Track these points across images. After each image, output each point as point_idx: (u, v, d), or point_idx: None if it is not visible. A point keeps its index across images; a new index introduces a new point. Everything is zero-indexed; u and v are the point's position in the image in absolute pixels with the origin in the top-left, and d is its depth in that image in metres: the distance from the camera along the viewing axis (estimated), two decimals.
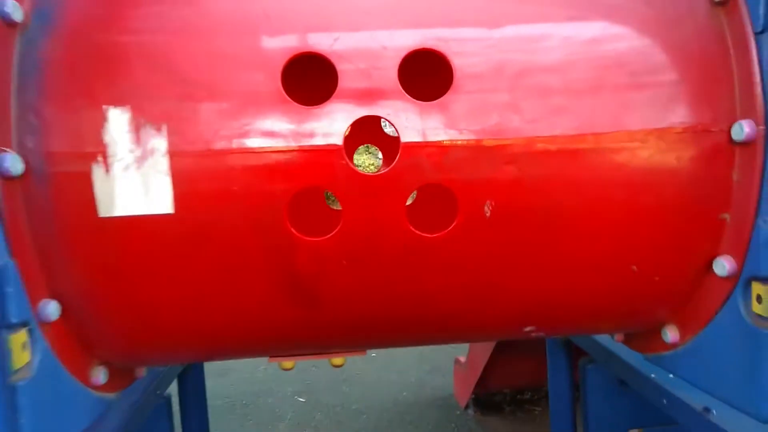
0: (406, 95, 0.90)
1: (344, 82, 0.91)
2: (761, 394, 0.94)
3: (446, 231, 0.93)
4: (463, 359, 3.89)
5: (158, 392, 1.48)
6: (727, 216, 0.96)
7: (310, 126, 0.90)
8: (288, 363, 1.24)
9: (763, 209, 0.93)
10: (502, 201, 0.92)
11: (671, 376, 1.28)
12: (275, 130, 0.89)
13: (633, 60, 0.94)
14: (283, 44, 0.93)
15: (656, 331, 1.15)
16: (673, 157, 0.93)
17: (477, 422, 3.72)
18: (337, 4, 0.97)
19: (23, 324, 0.88)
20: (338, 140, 0.89)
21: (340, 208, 0.94)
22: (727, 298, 1.00)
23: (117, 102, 0.87)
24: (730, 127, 0.93)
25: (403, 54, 0.91)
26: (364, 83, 0.91)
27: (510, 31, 0.95)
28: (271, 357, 1.21)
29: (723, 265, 0.98)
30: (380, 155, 0.97)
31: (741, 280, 0.97)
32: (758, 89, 0.91)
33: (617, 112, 0.92)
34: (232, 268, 0.94)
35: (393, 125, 0.91)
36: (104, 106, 0.86)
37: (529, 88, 0.91)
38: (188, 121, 0.87)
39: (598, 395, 1.88)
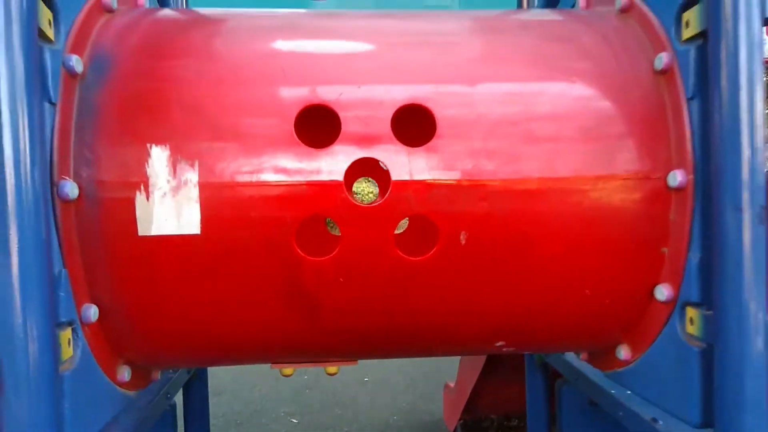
0: (397, 141, 1.08)
1: (346, 128, 1.08)
2: (692, 402, 1.10)
3: (427, 255, 1.10)
4: (452, 384, 4.00)
5: (168, 396, 1.63)
6: (665, 250, 1.13)
7: (316, 164, 1.07)
8: (288, 370, 1.39)
9: (694, 244, 1.10)
10: (475, 231, 1.09)
11: (628, 392, 1.44)
12: (287, 168, 1.06)
13: (587, 117, 1.12)
14: (296, 96, 1.10)
15: (612, 350, 1.31)
16: (620, 200, 1.11)
17: None
18: (342, 64, 1.16)
19: (69, 323, 1.04)
20: (340, 177, 1.07)
21: (339, 233, 1.11)
22: (667, 320, 1.15)
23: (158, 141, 1.04)
24: (666, 175, 1.10)
25: (396, 107, 1.09)
26: (363, 130, 1.09)
27: (484, 88, 1.13)
28: (273, 364, 1.36)
29: (663, 292, 1.14)
30: (377, 186, 1.14)
31: (678, 305, 1.13)
32: (689, 144, 1.09)
33: (573, 160, 1.10)
34: (247, 282, 1.10)
35: (386, 166, 1.09)
36: (148, 144, 1.04)
37: (499, 137, 1.09)
38: (216, 158, 1.05)
39: (572, 414, 2.01)
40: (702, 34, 1.03)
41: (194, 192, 1.03)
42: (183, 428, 2.15)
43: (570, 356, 1.87)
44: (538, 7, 1.89)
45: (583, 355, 1.46)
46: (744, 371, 0.99)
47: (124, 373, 1.21)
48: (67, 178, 1.02)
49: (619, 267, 1.14)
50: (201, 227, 1.05)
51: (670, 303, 1.13)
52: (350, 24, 1.28)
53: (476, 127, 1.09)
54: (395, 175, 1.07)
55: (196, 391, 2.09)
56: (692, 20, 1.06)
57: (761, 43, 0.97)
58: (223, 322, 1.14)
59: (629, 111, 1.13)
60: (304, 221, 1.07)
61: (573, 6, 1.49)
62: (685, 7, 1.08)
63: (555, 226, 1.11)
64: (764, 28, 0.99)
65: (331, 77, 1.13)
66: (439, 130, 1.08)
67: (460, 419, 3.94)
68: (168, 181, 1.03)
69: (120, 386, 1.22)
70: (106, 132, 1.05)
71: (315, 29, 1.25)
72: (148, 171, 1.03)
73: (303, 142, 1.07)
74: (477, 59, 1.18)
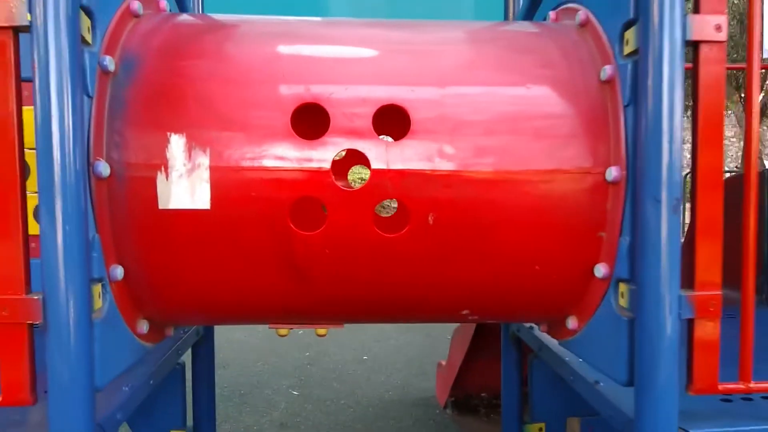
0: (377, 136, 1.27)
1: (334, 123, 1.27)
2: (621, 364, 1.29)
3: (401, 233, 1.29)
4: (444, 362, 4.23)
5: (179, 352, 1.85)
6: (603, 234, 1.32)
7: (308, 154, 1.26)
8: (283, 330, 1.60)
9: (625, 230, 1.29)
10: (441, 214, 1.28)
11: (580, 360, 1.64)
12: (284, 156, 1.25)
13: (541, 118, 1.30)
14: (293, 94, 1.28)
15: (563, 321, 1.50)
16: (565, 190, 1.29)
17: (454, 420, 4.04)
18: (333, 68, 1.35)
19: (100, 279, 1.24)
20: (327, 165, 1.25)
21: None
22: (605, 294, 1.34)
23: (176, 130, 1.24)
24: (605, 171, 1.28)
25: (377, 106, 1.27)
26: (349, 125, 1.27)
27: (452, 92, 1.30)
28: (270, 324, 1.57)
29: (600, 270, 1.32)
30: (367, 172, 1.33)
31: (612, 281, 1.32)
32: (623, 145, 1.27)
33: (526, 156, 1.28)
34: (248, 251, 1.30)
35: (367, 156, 1.29)
36: (167, 132, 1.23)
37: (462, 134, 1.27)
38: (224, 146, 1.24)
39: (542, 387, 2.22)
40: (637, 51, 1.21)
41: (205, 174, 1.24)
42: (191, 388, 2.37)
43: (537, 331, 2.07)
44: (519, 16, 2.07)
45: (543, 327, 1.65)
46: (659, 336, 1.18)
47: (143, 327, 1.41)
48: (100, 159, 1.22)
49: (564, 247, 1.33)
50: (210, 203, 1.25)
51: (607, 279, 1.32)
52: (342, 32, 1.47)
53: (444, 125, 1.28)
54: (374, 165, 1.26)
55: (204, 353, 2.30)
56: (631, 39, 1.24)
57: (682, 61, 1.16)
58: (226, 285, 1.34)
59: (577, 114, 1.31)
60: (297, 201, 1.26)
61: (545, 18, 1.67)
62: (627, 27, 1.26)
63: (510, 211, 1.30)
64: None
65: (323, 79, 1.32)
66: (412, 127, 1.27)
67: (451, 397, 4.17)
68: (184, 164, 1.23)
69: (139, 338, 1.41)
70: (133, 121, 1.25)
71: (311, 36, 1.44)
72: (168, 155, 1.23)
73: (298, 134, 1.26)
74: (449, 66, 1.36)
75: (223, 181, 1.24)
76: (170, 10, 1.55)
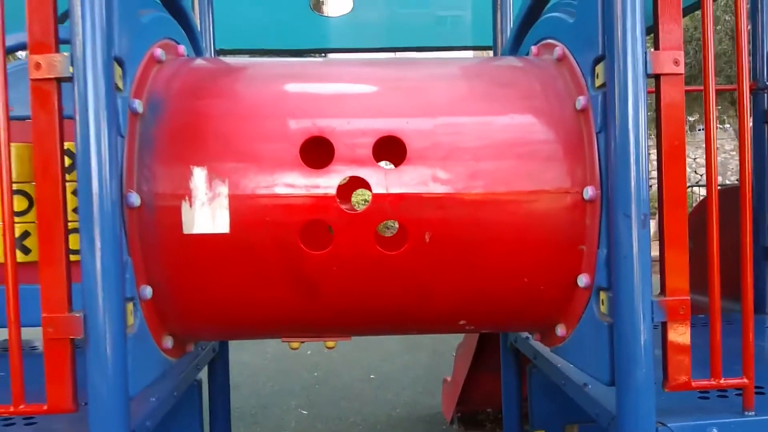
0: (377, 164, 1.42)
1: (339, 153, 1.42)
2: (604, 365, 1.41)
3: (401, 250, 1.43)
4: (449, 378, 4.32)
5: (198, 367, 1.98)
6: (583, 247, 1.46)
7: (316, 181, 1.41)
8: (295, 344, 1.73)
9: (602, 243, 1.43)
10: (436, 233, 1.42)
11: (570, 365, 1.77)
12: (293, 183, 1.40)
13: (524, 145, 1.45)
14: (301, 128, 1.43)
15: (553, 328, 1.64)
16: (548, 209, 1.43)
17: None
18: (336, 104, 1.50)
19: (131, 299, 1.38)
20: (333, 191, 1.40)
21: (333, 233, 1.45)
22: (588, 302, 1.47)
23: (198, 163, 1.39)
24: (582, 190, 1.42)
25: (376, 137, 1.42)
26: (351, 155, 1.42)
27: (443, 122, 1.46)
28: (283, 338, 1.71)
29: (583, 280, 1.46)
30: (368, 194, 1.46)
31: (594, 290, 1.45)
32: (597, 167, 1.41)
33: (511, 179, 1.42)
34: (263, 271, 1.44)
35: (368, 182, 1.44)
36: (190, 166, 1.39)
37: (453, 161, 1.42)
38: (241, 176, 1.39)
39: (540, 395, 2.33)
40: (605, 84, 1.37)
41: (225, 202, 1.39)
42: (207, 405, 2.49)
43: (532, 340, 2.19)
44: (505, 48, 2.24)
45: (537, 336, 1.78)
46: (635, 338, 1.31)
47: (168, 342, 1.55)
48: (132, 190, 1.38)
49: (549, 261, 1.47)
50: (229, 228, 1.40)
51: (589, 288, 1.45)
52: (343, 71, 1.64)
53: (436, 153, 1.43)
54: (375, 190, 1.41)
55: (220, 370, 2.43)
56: (600, 73, 1.39)
57: (644, 93, 1.31)
58: (244, 301, 1.48)
59: (556, 140, 1.46)
60: (306, 224, 1.41)
61: (528, 53, 1.84)
62: (597, 62, 1.42)
63: (498, 229, 1.44)
64: None
65: (328, 114, 1.47)
66: (408, 155, 1.42)
67: (457, 412, 4.25)
68: (206, 194, 1.38)
69: (164, 352, 1.55)
70: (160, 156, 1.40)
71: (316, 76, 1.61)
72: (191, 186, 1.38)
73: (306, 164, 1.41)
74: (440, 99, 1.52)
75: (240, 208, 1.39)
76: (187, 53, 1.72)
